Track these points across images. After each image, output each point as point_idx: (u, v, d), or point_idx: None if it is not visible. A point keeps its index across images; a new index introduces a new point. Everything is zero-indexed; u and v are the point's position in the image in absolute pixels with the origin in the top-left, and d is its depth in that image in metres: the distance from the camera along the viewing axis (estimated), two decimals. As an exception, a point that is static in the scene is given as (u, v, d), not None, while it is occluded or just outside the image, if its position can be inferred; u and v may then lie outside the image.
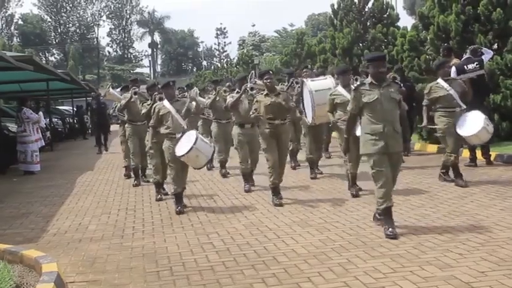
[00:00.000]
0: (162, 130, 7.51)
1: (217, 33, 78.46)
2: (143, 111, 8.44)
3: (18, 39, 71.66)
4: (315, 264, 4.81)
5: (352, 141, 6.66)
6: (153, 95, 8.23)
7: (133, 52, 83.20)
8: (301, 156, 10.43)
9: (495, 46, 12.05)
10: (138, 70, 78.13)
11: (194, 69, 79.15)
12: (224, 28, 78.46)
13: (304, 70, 11.42)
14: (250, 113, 7.74)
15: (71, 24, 76.52)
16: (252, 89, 8.44)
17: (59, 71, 19.09)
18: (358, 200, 7.36)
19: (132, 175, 10.29)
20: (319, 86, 8.37)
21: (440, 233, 5.56)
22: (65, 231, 6.67)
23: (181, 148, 7.10)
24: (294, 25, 66.47)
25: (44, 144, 14.37)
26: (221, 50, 74.82)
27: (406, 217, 6.29)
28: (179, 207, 7.33)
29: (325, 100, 7.89)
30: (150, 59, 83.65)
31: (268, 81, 7.68)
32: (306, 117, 8.79)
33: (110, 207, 8.03)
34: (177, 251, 5.51)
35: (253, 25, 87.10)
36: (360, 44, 20.23)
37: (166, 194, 8.53)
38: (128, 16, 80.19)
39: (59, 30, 75.54)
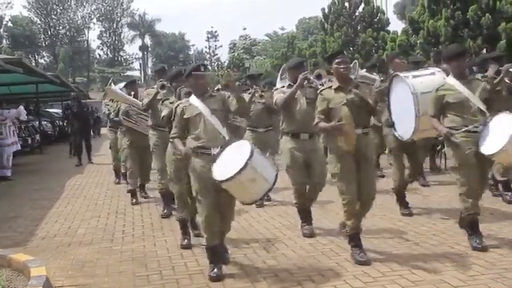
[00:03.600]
0: (190, 142, 4.84)
1: (208, 37, 78.31)
2: (163, 114, 5.84)
3: (7, 42, 71.11)
4: (305, 268, 4.82)
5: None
6: (178, 89, 5.78)
7: (123, 55, 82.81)
8: None
9: (484, 51, 12.16)
10: (128, 73, 77.83)
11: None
12: (215, 31, 78.32)
13: (398, 57, 7.50)
14: (316, 119, 5.09)
15: (61, 27, 75.99)
16: (319, 76, 5.98)
17: (48, 73, 18.99)
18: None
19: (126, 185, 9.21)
20: (427, 85, 5.67)
21: (430, 237, 5.59)
22: (54, 235, 6.63)
23: (225, 168, 4.47)
24: (284, 29, 66.50)
25: (19, 148, 13.46)
26: (212, 54, 74.77)
27: (396, 221, 6.31)
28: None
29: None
30: (140, 61, 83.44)
31: (342, 67, 5.00)
32: (395, 130, 6.23)
33: (99, 211, 7.99)
34: (166, 255, 5.49)
35: (244, 28, 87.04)
36: (351, 48, 20.33)
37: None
38: (118, 19, 79.80)
39: (49, 32, 75.04)
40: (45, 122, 22.93)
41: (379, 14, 21.18)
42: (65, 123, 25.64)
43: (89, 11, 77.57)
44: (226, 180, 4.39)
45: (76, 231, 6.76)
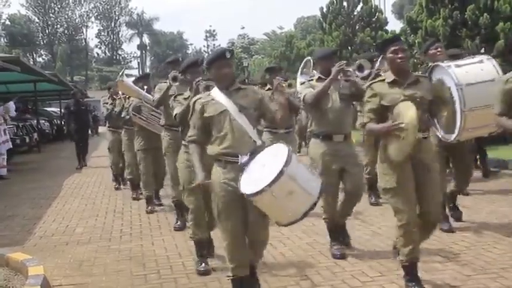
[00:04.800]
0: (212, 148, 3.94)
1: (206, 36, 78.49)
2: (175, 111, 5.00)
3: (5, 40, 71.05)
4: (303, 267, 4.82)
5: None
6: (195, 82, 4.78)
7: (122, 54, 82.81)
8: None
9: (482, 50, 12.17)
10: (127, 72, 77.89)
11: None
12: (213, 30, 78.50)
13: (434, 45, 5.83)
14: (365, 118, 4.21)
15: (59, 25, 75.91)
16: (360, 68, 5.30)
17: (46, 72, 18.98)
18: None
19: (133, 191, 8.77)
20: (475, 75, 4.84)
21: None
22: (52, 234, 6.63)
23: (255, 179, 3.57)
24: (283, 28, 66.55)
25: (11, 146, 13.06)
26: (210, 53, 74.87)
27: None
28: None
29: (484, 101, 4.63)
30: (138, 60, 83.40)
31: (400, 56, 4.07)
32: (437, 130, 5.11)
33: (97, 210, 7.99)
34: (164, 254, 5.49)
35: (243, 27, 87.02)
36: (349, 48, 20.35)
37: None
38: (116, 17, 79.76)
39: (47, 31, 74.94)
40: (43, 121, 22.91)
41: (377, 14, 21.21)
42: (63, 122, 25.65)
43: (87, 9, 77.52)
44: (256, 193, 3.44)
45: (74, 230, 6.76)
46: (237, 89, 3.99)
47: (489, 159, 9.14)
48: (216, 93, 3.97)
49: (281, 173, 3.39)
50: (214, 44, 76.14)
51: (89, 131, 16.15)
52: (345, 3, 21.30)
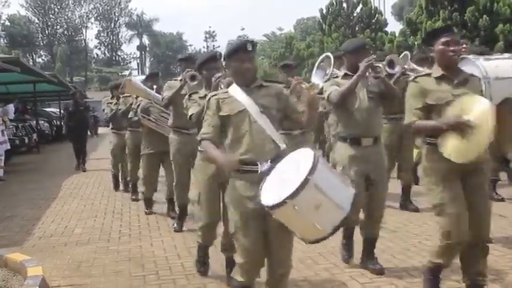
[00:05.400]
0: (232, 157, 3.34)
1: (206, 37, 78.51)
2: (191, 111, 4.53)
3: (5, 41, 71.08)
4: (302, 269, 4.81)
5: None
6: (215, 79, 4.41)
7: (121, 54, 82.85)
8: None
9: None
10: (126, 72, 77.84)
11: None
12: (213, 31, 78.54)
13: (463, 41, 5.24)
14: (412, 116, 3.70)
15: (58, 26, 75.96)
16: (391, 64, 4.89)
17: (46, 73, 18.99)
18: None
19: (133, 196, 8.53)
20: (505, 71, 4.51)
21: (427, 238, 5.60)
22: (51, 235, 6.62)
23: (277, 189, 3.06)
24: (282, 29, 66.66)
25: (9, 147, 12.88)
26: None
27: (397, 222, 6.32)
28: None
29: None
30: (138, 61, 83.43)
31: (451, 49, 3.61)
32: None
33: (96, 211, 7.97)
34: (163, 255, 5.48)
35: (243, 29, 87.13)
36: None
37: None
38: (116, 18, 79.81)
39: (47, 31, 74.99)
40: (43, 122, 22.90)
41: (377, 15, 21.25)
42: (62, 123, 25.63)
43: (87, 10, 77.57)
44: (276, 206, 2.93)
45: (73, 231, 6.75)
46: (258, 86, 3.45)
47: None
48: (235, 90, 3.43)
49: (305, 182, 2.84)
50: (213, 45, 76.13)
51: (88, 132, 15.45)
52: (344, 5, 21.35)
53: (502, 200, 7.11)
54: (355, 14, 21.33)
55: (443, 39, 3.62)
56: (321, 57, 6.02)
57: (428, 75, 3.73)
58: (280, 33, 63.17)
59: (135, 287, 4.63)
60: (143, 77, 8.40)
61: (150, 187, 7.45)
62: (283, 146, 3.31)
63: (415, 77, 3.81)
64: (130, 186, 8.96)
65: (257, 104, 3.35)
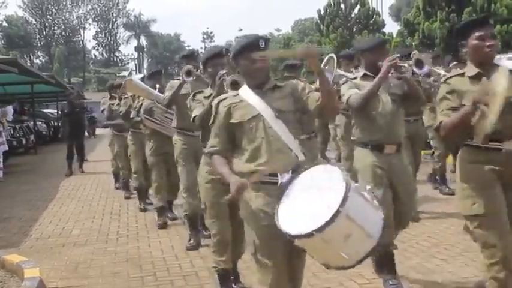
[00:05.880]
0: (241, 165, 3.02)
1: (203, 38, 78.49)
2: (194, 113, 4.25)
3: (2, 42, 70.92)
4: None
5: None
6: (218, 77, 4.15)
7: (119, 55, 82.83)
8: None
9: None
10: (125, 73, 77.87)
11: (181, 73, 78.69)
12: (211, 32, 78.55)
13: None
14: (441, 116, 3.24)
15: (56, 27, 75.83)
16: (419, 63, 4.59)
17: (43, 73, 18.96)
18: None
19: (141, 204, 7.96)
20: None
21: (425, 238, 5.60)
22: (48, 236, 6.61)
23: (298, 213, 2.77)
24: (280, 30, 66.77)
25: (7, 148, 12.78)
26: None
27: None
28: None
29: None
30: (136, 62, 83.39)
31: (488, 44, 3.21)
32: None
33: (94, 212, 7.97)
34: (161, 256, 5.48)
35: (240, 30, 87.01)
36: (346, 50, 20.39)
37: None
38: (114, 19, 79.75)
39: (44, 32, 74.85)
40: (40, 123, 22.88)
41: (374, 16, 21.25)
42: (60, 124, 25.53)
43: (85, 11, 77.47)
44: (302, 236, 2.64)
45: (70, 232, 6.74)
46: (272, 87, 3.08)
47: None
48: (246, 92, 3.07)
49: (336, 214, 2.56)
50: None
51: (86, 133, 15.00)
52: (342, 6, 21.36)
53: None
54: (352, 15, 21.35)
55: (477, 34, 3.20)
56: (325, 59, 5.79)
57: (462, 74, 3.30)
58: (278, 34, 63.20)
59: (132, 288, 4.62)
60: (141, 75, 8.13)
61: (162, 197, 6.84)
62: (301, 156, 2.96)
63: (447, 78, 3.38)
64: (133, 189, 8.60)
65: (272, 108, 2.98)
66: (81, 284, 4.78)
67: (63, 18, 76.32)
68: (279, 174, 2.90)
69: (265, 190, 2.92)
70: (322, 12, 21.75)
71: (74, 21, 77.33)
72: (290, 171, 2.91)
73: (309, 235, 2.58)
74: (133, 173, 7.97)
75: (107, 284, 4.74)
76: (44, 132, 22.94)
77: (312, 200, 2.73)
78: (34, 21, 75.38)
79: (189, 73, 5.15)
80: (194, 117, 4.20)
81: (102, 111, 9.85)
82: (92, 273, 5.05)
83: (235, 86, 3.64)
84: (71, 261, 5.45)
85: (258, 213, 2.92)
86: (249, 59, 2.98)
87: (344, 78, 4.45)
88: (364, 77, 4.27)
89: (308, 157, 3.05)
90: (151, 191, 7.36)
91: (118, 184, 9.90)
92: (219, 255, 4.20)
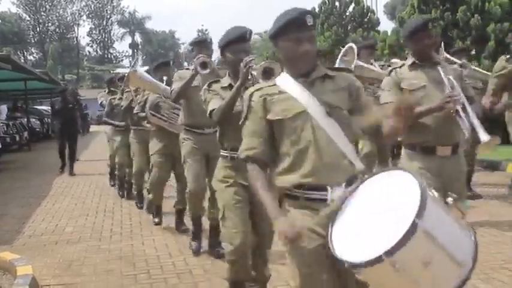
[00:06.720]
0: (282, 176, 2.40)
1: (198, 35, 78.42)
2: (212, 106, 3.54)
3: (-4, 38, 70.80)
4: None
5: None
6: (243, 62, 3.38)
7: (113, 52, 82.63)
8: None
9: (473, 52, 12.25)
10: (119, 70, 77.61)
11: (175, 70, 78.64)
12: (205, 30, 78.39)
13: None
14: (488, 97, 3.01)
15: (50, 24, 75.57)
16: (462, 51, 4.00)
17: (37, 70, 18.89)
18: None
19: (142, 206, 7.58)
20: None
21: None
22: (41, 233, 6.57)
23: (359, 236, 2.11)
24: (275, 28, 66.66)
25: (0, 147, 12.54)
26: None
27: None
28: None
29: None
30: (130, 59, 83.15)
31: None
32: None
33: (87, 209, 7.93)
34: (155, 254, 5.46)
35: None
36: (341, 48, 20.39)
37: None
38: (108, 16, 79.53)
39: (38, 29, 74.59)
40: (34, 119, 22.80)
41: (369, 14, 21.28)
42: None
43: (79, 7, 77.23)
44: (367, 264, 1.97)
45: (63, 230, 6.71)
46: (322, 76, 2.44)
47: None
48: (287, 82, 2.44)
49: (412, 229, 1.89)
50: (206, 44, 75.94)
51: (80, 130, 14.15)
52: (337, 4, 21.37)
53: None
54: (347, 13, 21.37)
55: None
56: (344, 49, 5.36)
57: None
58: (272, 32, 63.12)
59: (126, 286, 4.60)
60: (146, 67, 7.49)
61: (157, 194, 6.45)
62: (359, 164, 2.38)
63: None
64: (133, 191, 8.18)
65: (322, 103, 2.37)
66: (74, 281, 4.75)
67: (57, 14, 76.04)
68: (329, 188, 2.31)
69: (312, 208, 2.32)
70: (317, 10, 21.75)
71: (68, 18, 77.09)
72: (344, 184, 2.32)
73: (376, 261, 1.92)
74: (134, 173, 7.54)
75: (100, 282, 4.72)
76: (38, 129, 22.88)
77: (376, 218, 2.09)
78: (28, 18, 75.10)
79: (204, 65, 4.46)
80: (211, 111, 3.49)
81: (101, 103, 9.36)
82: (85, 271, 5.02)
83: (269, 75, 3.06)
84: (64, 259, 5.43)
85: (307, 234, 2.26)
86: (292, 39, 2.35)
87: (390, 68, 3.91)
88: (413, 66, 3.66)
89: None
90: (146, 186, 6.96)
91: (113, 182, 9.55)
92: (237, 267, 3.52)
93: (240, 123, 2.51)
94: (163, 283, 4.60)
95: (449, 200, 2.14)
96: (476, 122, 3.47)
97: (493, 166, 9.62)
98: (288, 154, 2.37)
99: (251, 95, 2.49)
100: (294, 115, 2.36)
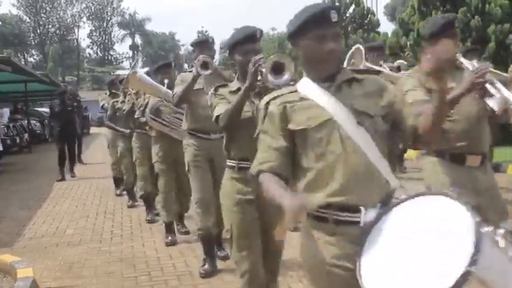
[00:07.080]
0: (314, 200, 2.01)
1: (198, 36, 78.45)
2: (218, 111, 3.22)
3: (-4, 40, 70.83)
4: (297, 269, 4.80)
5: None
6: (252, 62, 3.03)
7: (113, 54, 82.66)
8: None
9: (473, 53, 12.29)
10: (119, 72, 77.62)
11: (176, 72, 78.73)
12: (206, 31, 78.44)
13: None
14: None
15: (50, 25, 75.57)
16: None
17: (38, 72, 18.90)
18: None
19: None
20: None
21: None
22: (42, 236, 6.57)
23: (395, 277, 1.75)
24: (275, 29, 66.61)
25: (1, 149, 12.49)
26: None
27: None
28: None
29: None
30: (130, 61, 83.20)
31: None
32: None
33: (88, 211, 7.93)
34: (155, 256, 5.46)
35: (235, 29, 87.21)
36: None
37: None
38: (108, 18, 79.57)
39: (39, 31, 74.58)
40: (34, 121, 22.79)
41: (369, 15, 21.29)
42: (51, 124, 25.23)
43: (79, 9, 77.24)
44: None
45: (64, 232, 6.71)
46: (349, 80, 2.15)
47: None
48: (309, 88, 2.15)
49: (464, 278, 1.60)
50: (206, 45, 75.94)
51: (77, 134, 13.39)
52: (337, 5, 21.35)
53: None
54: (347, 14, 21.38)
55: None
56: (351, 51, 5.06)
57: None
58: (273, 33, 63.17)
59: (126, 288, 4.61)
60: (146, 69, 7.19)
61: (170, 210, 5.95)
62: (394, 182, 2.07)
63: None
64: (137, 196, 7.69)
65: (350, 110, 2.06)
66: (75, 284, 4.75)
67: (57, 16, 76.07)
68: (362, 209, 1.99)
69: (340, 233, 2.01)
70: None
71: (68, 20, 77.09)
72: (378, 205, 2.00)
73: None
74: (138, 179, 7.12)
75: (101, 284, 4.72)
76: (38, 131, 22.86)
77: (415, 250, 1.78)
78: (28, 20, 75.12)
79: (205, 65, 4.33)
80: (217, 116, 3.18)
81: (102, 106, 9.11)
82: (85, 273, 5.02)
83: (279, 71, 2.79)
84: (64, 261, 5.43)
85: (330, 270, 2.00)
86: (315, 37, 2.06)
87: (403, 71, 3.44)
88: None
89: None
90: (158, 199, 6.51)
91: (119, 191, 9.04)
92: None
93: (255, 136, 2.23)
94: (163, 285, 4.61)
95: (501, 232, 1.77)
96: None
97: (493, 168, 9.60)
98: (311, 169, 2.05)
99: (267, 104, 2.18)
100: (319, 124, 2.05)
